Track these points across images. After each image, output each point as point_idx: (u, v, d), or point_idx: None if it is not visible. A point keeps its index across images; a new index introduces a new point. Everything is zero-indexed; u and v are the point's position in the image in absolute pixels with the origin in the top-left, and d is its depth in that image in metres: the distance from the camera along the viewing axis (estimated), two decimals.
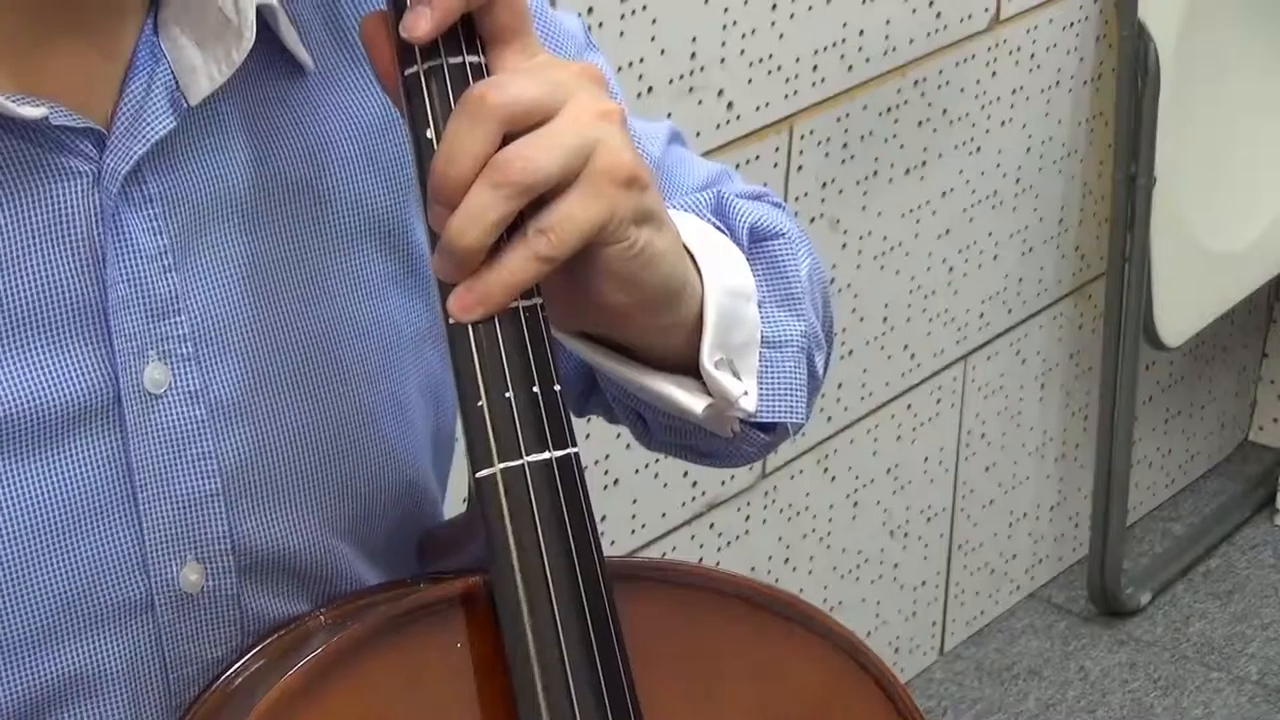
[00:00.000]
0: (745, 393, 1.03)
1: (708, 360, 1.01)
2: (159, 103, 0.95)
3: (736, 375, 1.03)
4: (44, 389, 0.94)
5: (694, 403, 1.02)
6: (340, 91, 1.02)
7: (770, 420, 1.06)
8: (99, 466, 0.96)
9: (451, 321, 0.90)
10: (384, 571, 1.07)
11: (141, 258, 0.96)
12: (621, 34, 2.09)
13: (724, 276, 1.02)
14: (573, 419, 0.94)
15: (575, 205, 0.90)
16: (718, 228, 1.07)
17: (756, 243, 1.08)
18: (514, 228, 0.90)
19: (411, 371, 1.05)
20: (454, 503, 1.14)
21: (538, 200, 0.89)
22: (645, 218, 0.93)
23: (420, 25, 0.90)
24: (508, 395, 0.91)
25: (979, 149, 2.62)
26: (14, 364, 0.93)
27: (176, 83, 0.96)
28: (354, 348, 1.02)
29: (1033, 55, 2.65)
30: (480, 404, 0.91)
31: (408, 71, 0.91)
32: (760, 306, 1.06)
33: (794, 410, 1.07)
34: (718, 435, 1.06)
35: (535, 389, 0.91)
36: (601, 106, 0.91)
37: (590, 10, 2.05)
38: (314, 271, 1.01)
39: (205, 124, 0.98)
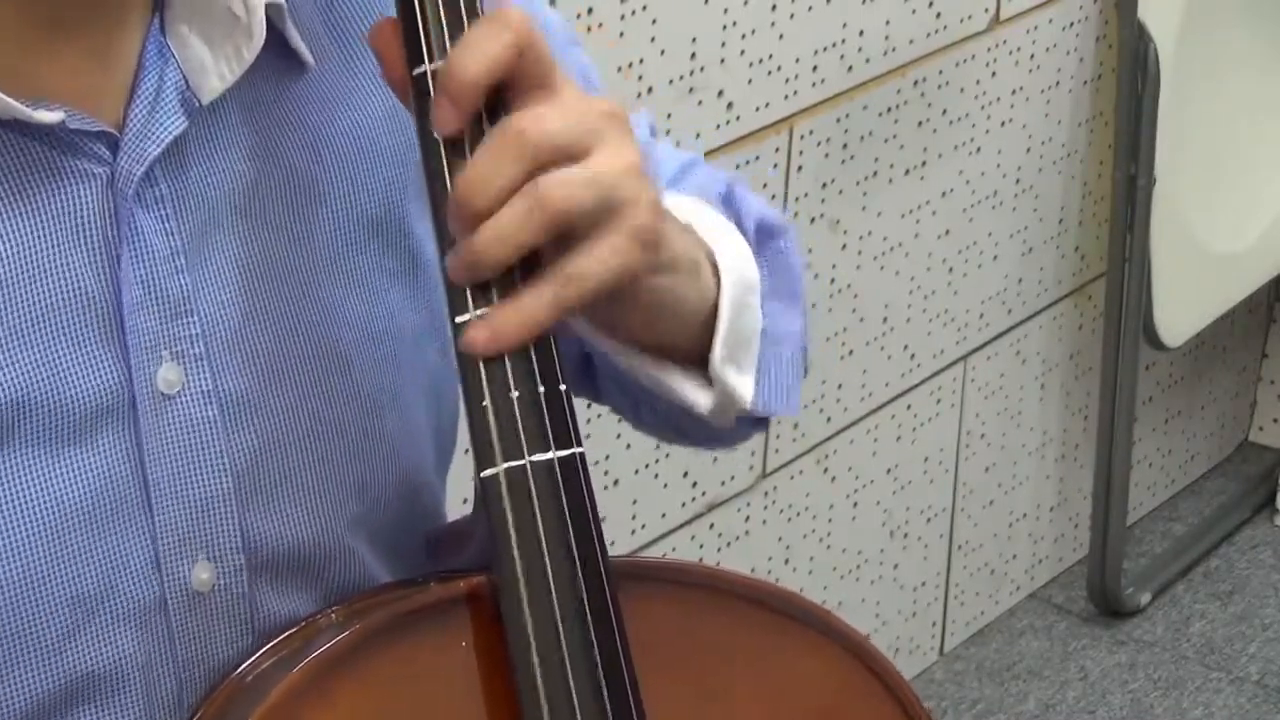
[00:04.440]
0: (751, 393, 1.04)
1: (718, 358, 1.02)
2: (170, 103, 0.95)
3: (738, 368, 1.04)
4: (62, 388, 0.94)
5: (700, 398, 1.03)
6: (339, 89, 1.02)
7: (765, 415, 1.07)
8: (114, 466, 0.96)
9: (463, 353, 0.90)
10: (394, 570, 1.07)
11: (155, 259, 0.96)
12: (621, 34, 2.09)
13: (738, 271, 1.03)
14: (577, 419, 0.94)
15: (602, 255, 0.90)
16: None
17: (764, 239, 1.09)
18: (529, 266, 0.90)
19: (412, 367, 1.06)
20: (454, 504, 1.14)
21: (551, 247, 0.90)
22: (663, 268, 0.95)
23: (447, 121, 0.89)
24: (511, 395, 0.91)
25: (979, 149, 2.62)
26: (33, 362, 0.94)
27: (186, 82, 0.96)
28: (356, 342, 1.03)
29: (1033, 55, 2.65)
30: (484, 403, 0.91)
31: (416, 71, 0.91)
32: (763, 301, 1.06)
33: (790, 405, 1.08)
34: (708, 423, 1.07)
35: (540, 389, 0.91)
36: (631, 159, 0.91)
37: (590, 10, 2.04)
38: (315, 268, 1.01)
39: (211, 123, 0.98)
